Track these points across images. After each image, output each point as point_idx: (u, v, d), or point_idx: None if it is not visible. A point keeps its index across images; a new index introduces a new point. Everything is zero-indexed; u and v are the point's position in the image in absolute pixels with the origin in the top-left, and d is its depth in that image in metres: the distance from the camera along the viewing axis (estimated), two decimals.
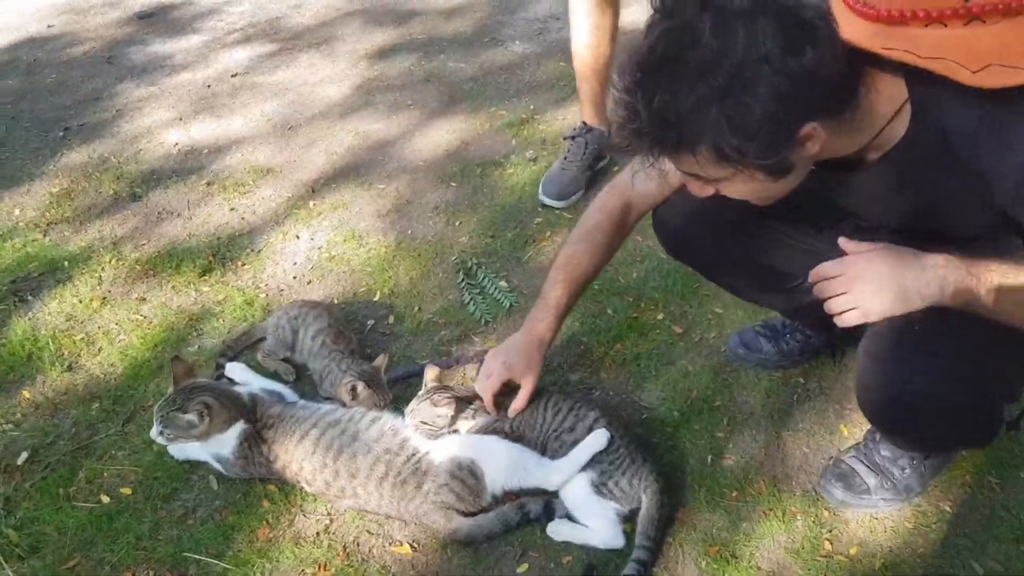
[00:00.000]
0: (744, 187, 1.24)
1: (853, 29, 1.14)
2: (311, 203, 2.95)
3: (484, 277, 2.52)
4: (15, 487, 1.92)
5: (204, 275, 2.60)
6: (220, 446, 1.87)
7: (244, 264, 2.65)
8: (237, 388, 1.95)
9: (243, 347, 2.28)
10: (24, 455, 1.99)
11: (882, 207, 1.42)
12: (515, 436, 1.86)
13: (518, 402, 1.84)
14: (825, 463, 1.87)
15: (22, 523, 1.83)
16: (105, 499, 1.89)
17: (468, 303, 2.43)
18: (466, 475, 1.77)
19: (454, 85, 3.76)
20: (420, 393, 1.90)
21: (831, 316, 1.24)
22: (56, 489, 1.91)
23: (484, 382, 1.84)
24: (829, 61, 1.06)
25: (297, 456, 1.83)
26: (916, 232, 1.32)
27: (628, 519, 1.77)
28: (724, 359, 2.18)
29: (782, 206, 1.34)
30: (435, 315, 2.40)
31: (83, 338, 2.36)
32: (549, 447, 1.84)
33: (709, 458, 1.92)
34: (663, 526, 1.73)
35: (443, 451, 1.80)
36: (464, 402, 1.88)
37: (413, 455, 1.81)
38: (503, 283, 2.50)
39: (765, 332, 2.16)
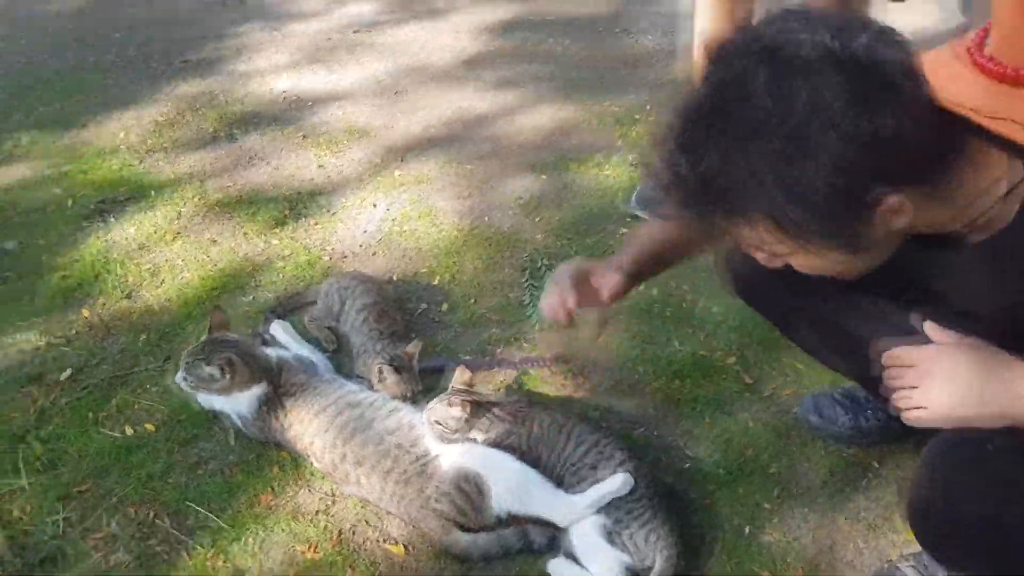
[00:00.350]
0: (815, 263, 1.10)
1: (964, 88, 0.99)
2: (396, 172, 2.95)
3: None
4: (52, 401, 2.02)
5: (276, 227, 2.65)
6: (240, 404, 1.89)
7: (316, 223, 2.68)
8: (268, 350, 1.97)
9: (294, 307, 2.31)
10: (68, 372, 2.09)
11: (978, 295, 1.25)
12: (531, 456, 1.78)
13: (611, 288, 1.54)
14: (879, 565, 1.69)
15: (49, 438, 1.92)
16: (129, 431, 1.96)
17: (527, 305, 2.36)
18: (471, 489, 1.72)
19: (569, 71, 3.67)
20: (440, 396, 1.86)
21: (896, 409, 1.10)
22: (87, 412, 1.99)
23: (554, 296, 1.57)
24: (913, 126, 0.92)
25: (310, 430, 1.83)
26: (1014, 327, 1.15)
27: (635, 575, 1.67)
28: (792, 422, 2.00)
29: (864, 276, 1.20)
30: (490, 311, 2.35)
31: (149, 268, 2.46)
32: (566, 479, 1.75)
33: (747, 529, 1.76)
34: None
35: (453, 458, 1.75)
36: (483, 408, 1.83)
37: (422, 456, 1.77)
38: None
39: (844, 402, 1.97)
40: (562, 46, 3.90)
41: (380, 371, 1.95)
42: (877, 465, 1.90)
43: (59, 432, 1.94)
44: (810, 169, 0.92)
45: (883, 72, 0.91)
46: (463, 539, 1.72)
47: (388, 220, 2.70)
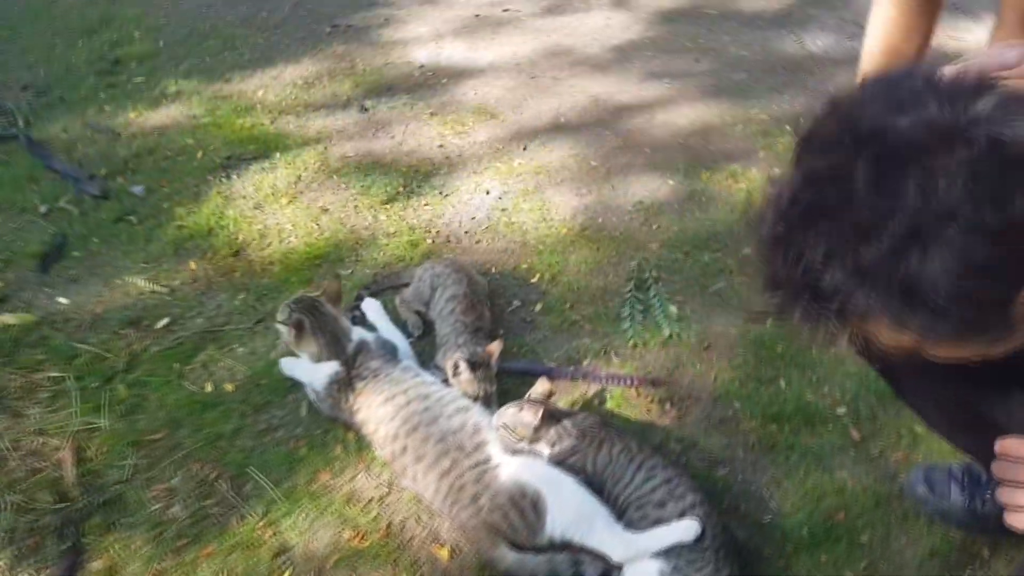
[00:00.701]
0: (948, 352, 0.94)
1: None
2: (516, 160, 2.90)
3: (655, 295, 2.31)
4: (144, 347, 2.12)
5: (387, 203, 2.67)
6: (315, 377, 1.90)
7: (427, 204, 2.67)
8: (353, 332, 1.96)
9: (388, 286, 2.31)
10: (165, 321, 2.20)
11: None
12: (595, 481, 1.69)
13: None
14: None
15: (134, 383, 2.03)
16: (208, 388, 2.03)
17: (625, 318, 2.24)
18: (528, 506, 1.65)
19: (724, 70, 3.46)
20: (515, 404, 1.79)
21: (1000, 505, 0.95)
22: (174, 363, 2.08)
23: None
24: None
25: (375, 416, 1.82)
26: None
27: None
28: (898, 490, 1.81)
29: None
30: (585, 318, 2.25)
31: (260, 229, 2.54)
32: (628, 513, 1.66)
33: None
34: None
35: (513, 471, 1.69)
36: (555, 420, 1.74)
37: (482, 462, 1.72)
38: (673, 308, 2.28)
39: (962, 478, 1.75)
40: (719, 42, 3.70)
41: (456, 365, 1.91)
42: (987, 555, 1.68)
43: (144, 379, 2.04)
44: (930, 270, 0.76)
45: (1012, 152, 0.74)
46: (510, 556, 1.66)
47: (498, 209, 2.66)
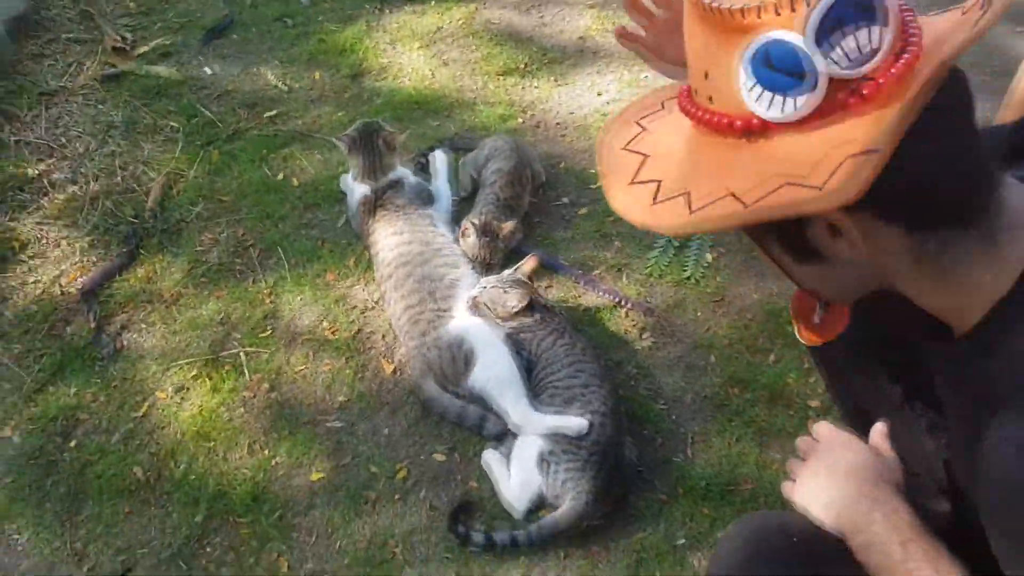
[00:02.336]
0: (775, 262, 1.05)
1: None
2: (644, 75, 3.06)
3: (699, 238, 2.48)
4: (248, 128, 2.68)
5: (502, 75, 2.98)
6: (352, 193, 2.34)
7: (536, 87, 2.95)
8: (396, 171, 2.36)
9: (462, 147, 2.65)
10: (273, 112, 2.73)
11: (926, 404, 1.23)
12: (531, 360, 2.01)
13: None
14: None
15: (227, 153, 2.62)
16: (279, 177, 2.55)
17: (657, 247, 2.44)
18: (460, 356, 2.01)
19: None
20: (504, 274, 2.11)
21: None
22: (263, 148, 2.61)
23: None
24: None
25: (382, 242, 2.23)
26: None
27: (543, 507, 1.87)
28: None
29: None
30: (619, 235, 2.47)
31: (383, 63, 2.98)
32: (541, 396, 1.96)
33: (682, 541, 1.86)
34: (551, 538, 1.81)
35: (460, 325, 2.05)
36: (532, 310, 2.05)
37: (442, 311, 2.08)
38: (709, 256, 2.45)
39: None
40: None
41: (464, 228, 2.26)
42: None
43: (236, 152, 2.59)
44: None
45: None
46: (432, 389, 2.04)
47: (600, 112, 2.89)
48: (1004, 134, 1.05)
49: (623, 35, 1.42)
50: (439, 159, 2.55)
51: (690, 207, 0.84)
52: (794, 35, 0.76)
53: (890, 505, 1.03)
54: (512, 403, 1.94)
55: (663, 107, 1.02)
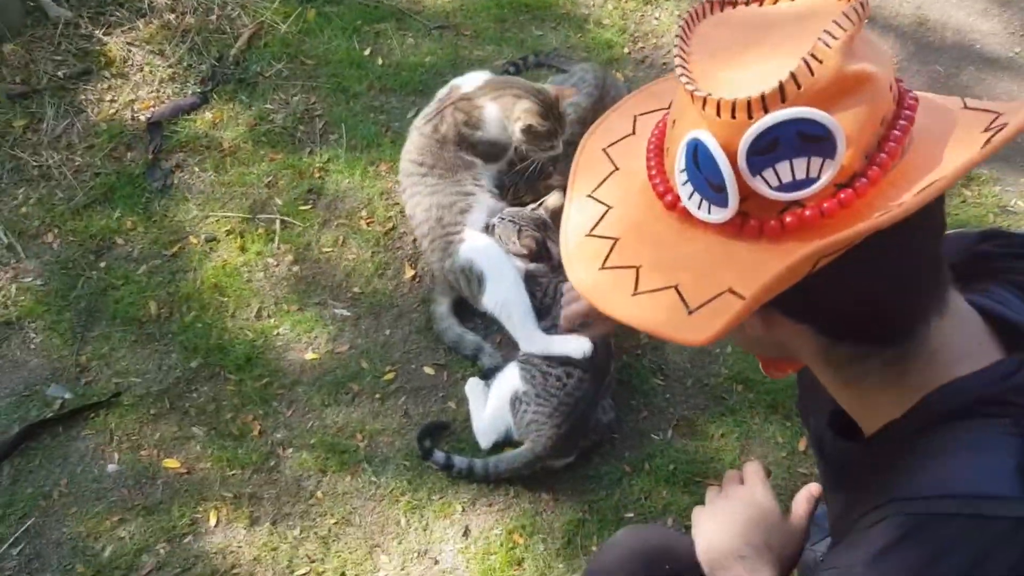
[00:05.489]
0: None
1: None
2: None
3: None
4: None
5: None
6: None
7: (658, 18, 2.76)
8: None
9: (552, 64, 2.53)
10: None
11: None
12: (540, 291, 2.00)
13: None
14: None
15: (323, 15, 2.59)
16: (366, 52, 2.52)
17: None
18: (473, 279, 2.01)
19: None
20: (525, 209, 2.06)
21: None
22: (359, 18, 2.58)
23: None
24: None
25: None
26: None
27: (508, 445, 1.92)
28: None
29: None
30: None
31: None
32: (546, 317, 1.96)
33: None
34: (508, 475, 1.86)
35: (470, 248, 2.03)
36: (541, 257, 2.01)
37: (452, 234, 2.05)
38: None
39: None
40: None
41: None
42: None
43: (331, 16, 2.59)
44: None
45: None
46: (442, 308, 2.07)
47: None
48: (969, 241, 0.94)
49: None
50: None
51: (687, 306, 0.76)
52: (715, 144, 0.69)
53: (758, 569, 1.02)
54: (519, 324, 1.95)
55: (634, 131, 0.93)
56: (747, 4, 0.77)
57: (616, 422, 1.95)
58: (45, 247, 2.12)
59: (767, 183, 0.69)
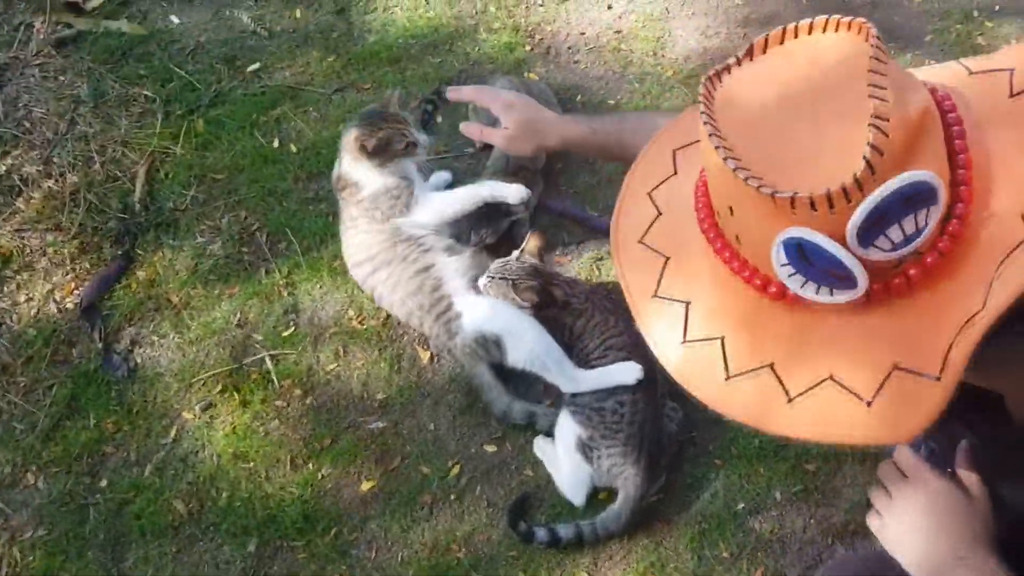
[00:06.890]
0: None
1: None
2: None
3: None
4: (231, 88, 2.39)
5: None
6: None
7: (541, 5, 2.63)
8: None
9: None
10: (256, 66, 2.45)
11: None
12: (564, 341, 1.86)
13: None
14: None
15: (213, 121, 2.33)
16: (275, 143, 2.30)
17: None
18: (491, 345, 1.86)
19: None
20: (509, 260, 1.88)
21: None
22: (252, 111, 2.34)
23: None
24: None
25: None
26: None
27: (605, 490, 1.79)
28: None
29: None
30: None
31: None
32: (577, 354, 1.85)
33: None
34: (621, 532, 1.74)
35: (475, 318, 1.87)
36: (546, 302, 1.85)
37: (443, 313, 1.88)
38: None
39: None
40: None
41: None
42: None
43: (223, 119, 2.31)
44: None
45: None
46: (487, 376, 1.89)
47: (613, 30, 2.60)
48: None
49: None
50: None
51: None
52: (826, 240, 0.68)
53: (981, 561, 0.98)
54: (556, 371, 1.83)
55: (676, 170, 0.91)
56: (752, 59, 0.78)
57: (685, 421, 1.86)
58: (30, 491, 1.82)
59: (881, 250, 0.69)
